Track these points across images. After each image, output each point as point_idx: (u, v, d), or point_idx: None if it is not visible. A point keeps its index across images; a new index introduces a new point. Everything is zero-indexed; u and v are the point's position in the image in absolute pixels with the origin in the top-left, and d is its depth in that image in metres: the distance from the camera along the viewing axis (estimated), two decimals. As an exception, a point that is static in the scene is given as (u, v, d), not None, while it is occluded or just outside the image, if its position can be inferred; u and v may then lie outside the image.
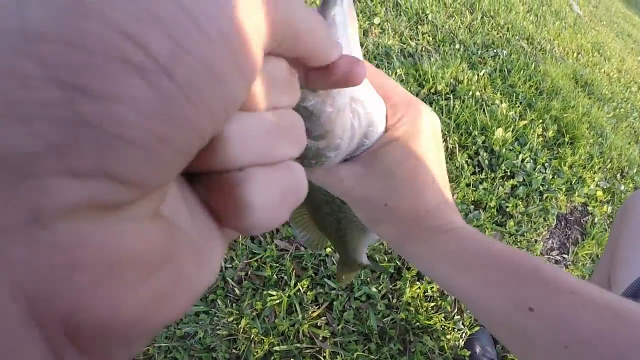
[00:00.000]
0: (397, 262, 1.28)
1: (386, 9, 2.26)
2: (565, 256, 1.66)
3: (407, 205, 0.33)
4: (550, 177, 1.75)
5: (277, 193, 0.16)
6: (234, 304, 1.20)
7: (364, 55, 1.96)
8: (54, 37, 0.09)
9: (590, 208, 1.83)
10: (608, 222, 1.81)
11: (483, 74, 1.98)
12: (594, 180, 1.92)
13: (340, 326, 1.17)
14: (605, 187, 1.95)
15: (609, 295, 0.30)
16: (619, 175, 2.11)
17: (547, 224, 1.65)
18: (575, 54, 2.99)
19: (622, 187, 2.01)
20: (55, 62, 0.09)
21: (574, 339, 0.28)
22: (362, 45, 2.07)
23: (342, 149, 0.31)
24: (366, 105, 0.30)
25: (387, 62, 1.86)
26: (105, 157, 0.10)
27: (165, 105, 0.11)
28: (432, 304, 1.26)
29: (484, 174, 1.56)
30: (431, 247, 0.34)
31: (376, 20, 2.13)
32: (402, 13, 2.27)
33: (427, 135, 0.33)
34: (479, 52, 2.19)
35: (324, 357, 1.12)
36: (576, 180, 1.85)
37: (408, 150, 0.32)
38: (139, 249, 0.12)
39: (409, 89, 1.75)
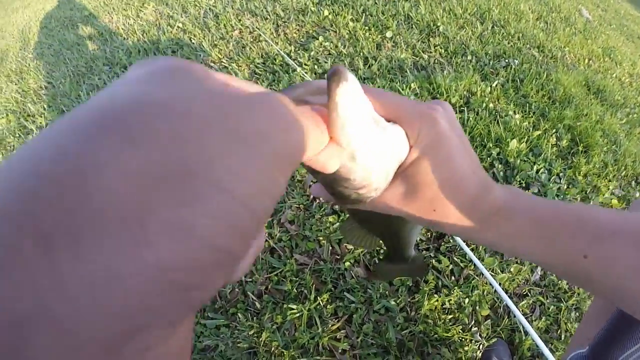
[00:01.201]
0: (415, 275, 1.30)
1: (398, 22, 2.29)
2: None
3: (453, 206, 0.36)
4: (565, 187, 1.75)
5: None
6: (254, 318, 1.23)
7: (378, 69, 2.00)
8: (180, 266, 0.14)
9: (605, 217, 1.83)
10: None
11: (496, 85, 1.99)
12: (608, 189, 1.91)
13: (359, 339, 1.20)
14: (620, 195, 1.94)
15: None
16: (633, 182, 2.10)
17: None
18: (586, 60, 2.99)
19: (638, 194, 2.00)
20: (179, 280, 0.15)
21: (622, 272, 0.34)
22: (375, 59, 2.10)
23: (381, 187, 0.33)
24: (387, 144, 0.32)
25: (401, 76, 1.88)
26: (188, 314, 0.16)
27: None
28: (450, 316, 1.27)
29: (499, 185, 1.58)
30: (487, 233, 0.38)
31: (388, 34, 2.17)
32: (413, 26, 2.30)
33: (448, 138, 0.34)
34: (491, 62, 2.20)
35: (346, 370, 1.14)
36: (591, 189, 1.85)
37: (436, 159, 0.34)
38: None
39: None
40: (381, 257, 0.57)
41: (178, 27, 3.08)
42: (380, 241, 0.51)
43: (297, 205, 1.49)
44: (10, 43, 4.75)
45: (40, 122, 2.36)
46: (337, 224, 1.40)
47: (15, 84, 3.14)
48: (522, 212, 0.37)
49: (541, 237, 0.36)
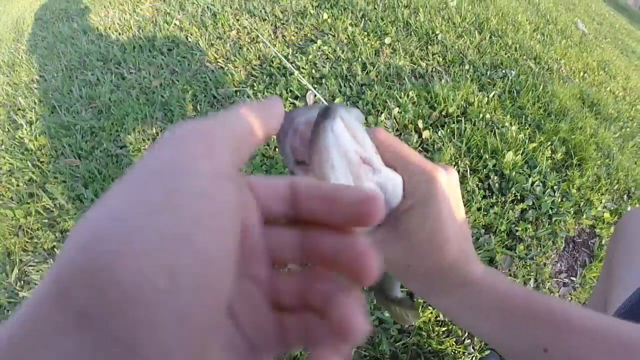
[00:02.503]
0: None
1: (397, 28, 2.28)
2: (574, 279, 1.67)
3: (428, 265, 0.36)
4: (559, 200, 1.76)
5: None
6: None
7: (376, 76, 1.99)
8: None
9: (597, 230, 1.84)
10: (615, 244, 1.82)
11: (493, 96, 2.00)
12: (601, 202, 1.93)
13: (352, 350, 1.18)
14: (612, 208, 1.96)
15: (617, 328, 0.33)
16: (625, 196, 2.11)
17: (556, 247, 1.66)
18: (581, 73, 3.01)
19: (629, 208, 2.01)
20: None
21: None
22: (373, 65, 2.10)
23: (369, 228, 0.34)
24: (374, 184, 0.33)
25: (399, 84, 1.88)
26: None
27: None
28: (444, 329, 1.27)
29: (494, 197, 1.58)
30: (453, 300, 0.38)
31: (387, 40, 2.16)
32: (412, 33, 2.30)
33: (442, 198, 0.35)
34: (488, 72, 2.21)
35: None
36: (584, 203, 1.86)
37: (425, 215, 0.35)
38: None
39: (420, 111, 1.77)
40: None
41: (175, 24, 3.04)
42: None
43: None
44: (3, 34, 4.68)
45: (30, 117, 2.31)
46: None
47: (7, 76, 3.08)
48: (495, 292, 0.37)
49: (506, 321, 0.36)
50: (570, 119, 2.21)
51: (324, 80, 2.09)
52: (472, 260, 0.38)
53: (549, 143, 1.96)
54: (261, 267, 0.22)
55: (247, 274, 0.22)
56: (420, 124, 1.72)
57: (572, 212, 1.76)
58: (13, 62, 3.52)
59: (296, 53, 2.31)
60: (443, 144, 1.66)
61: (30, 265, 1.59)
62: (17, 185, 1.88)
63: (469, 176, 1.59)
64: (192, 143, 0.18)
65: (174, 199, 0.16)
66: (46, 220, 1.74)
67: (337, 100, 1.85)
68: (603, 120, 2.54)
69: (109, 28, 3.34)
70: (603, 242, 1.79)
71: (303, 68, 2.17)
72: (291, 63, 2.17)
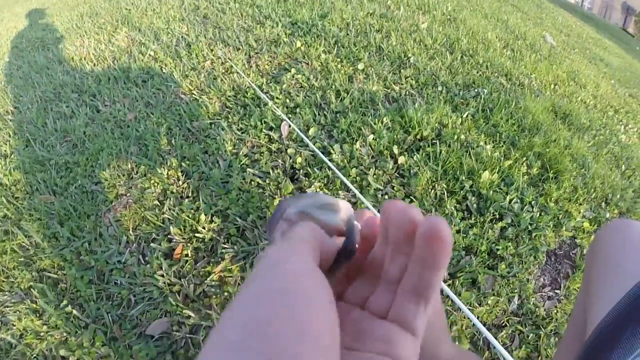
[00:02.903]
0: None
1: (369, 53, 2.32)
2: (558, 291, 1.68)
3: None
4: (538, 215, 1.78)
5: None
6: None
7: (350, 103, 2.01)
8: None
9: (578, 240, 1.86)
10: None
11: (466, 116, 2.03)
12: (579, 212, 1.95)
13: None
14: (591, 217, 1.98)
15: None
16: (603, 203, 2.15)
17: (538, 262, 1.67)
18: (552, 86, 3.09)
19: (608, 215, 2.04)
20: None
21: None
22: (347, 92, 2.12)
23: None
24: None
25: (373, 109, 1.90)
26: None
27: None
28: None
29: (473, 218, 1.59)
30: None
31: (360, 66, 2.19)
32: (385, 57, 2.34)
33: None
34: (461, 92, 2.25)
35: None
36: (563, 215, 1.88)
37: None
38: None
39: (395, 136, 1.79)
40: None
41: (149, 55, 3.05)
42: None
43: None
44: None
45: (5, 150, 2.28)
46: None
47: None
48: None
49: None
50: (543, 133, 2.26)
51: (298, 110, 2.10)
52: (443, 340, 0.37)
53: (524, 159, 2.00)
54: None
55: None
56: (395, 149, 1.74)
57: (551, 225, 1.78)
58: (-13, 89, 3.46)
59: (270, 82, 2.32)
60: (419, 169, 1.68)
61: (7, 306, 1.54)
62: (-8, 223, 1.85)
63: (446, 199, 1.60)
64: None
65: None
66: (22, 259, 1.71)
67: (311, 130, 1.85)
68: (576, 131, 2.59)
69: (84, 58, 3.32)
70: (584, 252, 1.81)
71: (277, 98, 2.18)
72: (265, 93, 2.18)
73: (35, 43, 4.44)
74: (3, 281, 1.65)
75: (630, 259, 0.75)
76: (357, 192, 1.29)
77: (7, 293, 1.61)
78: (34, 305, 1.52)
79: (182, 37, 3.26)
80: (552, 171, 2.02)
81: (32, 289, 1.58)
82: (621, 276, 0.72)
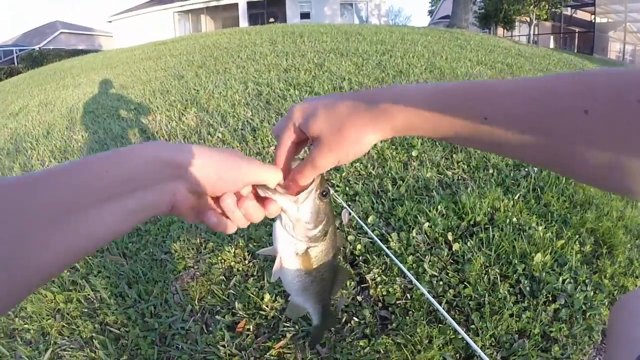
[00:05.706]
0: None
1: (422, 140, 2.55)
2: (616, 370, 1.71)
3: (346, 135, 0.51)
4: (592, 293, 1.80)
5: None
6: None
7: (406, 191, 2.23)
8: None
9: (636, 316, 1.89)
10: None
11: (518, 197, 2.17)
12: (636, 285, 1.95)
13: None
14: (649, 288, 1.99)
15: (539, 81, 0.40)
16: (661, 272, 2.13)
17: (593, 342, 1.67)
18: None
19: (667, 284, 2.02)
20: None
21: (521, 127, 0.39)
22: (403, 180, 2.35)
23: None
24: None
25: (428, 196, 2.10)
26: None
27: None
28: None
29: (526, 301, 1.71)
30: (406, 115, 0.46)
31: (414, 153, 2.42)
32: (437, 143, 2.56)
33: (302, 106, 0.58)
34: (512, 173, 2.40)
35: None
36: (618, 290, 1.88)
37: (310, 120, 0.55)
38: None
39: (449, 223, 1.98)
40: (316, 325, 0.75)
41: (217, 137, 3.34)
42: (309, 311, 0.70)
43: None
44: (57, 119, 5.13)
45: None
46: (368, 348, 1.52)
47: (58, 162, 3.42)
48: (427, 87, 0.45)
49: (448, 106, 0.43)
50: (595, 207, 2.31)
51: (357, 198, 2.27)
52: (378, 92, 0.49)
53: (577, 237, 2.05)
54: None
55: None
56: (450, 236, 1.92)
57: (606, 302, 1.79)
58: (65, 149, 3.91)
59: (331, 170, 2.59)
60: (473, 254, 1.84)
61: (66, 350, 1.64)
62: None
63: (499, 283, 1.75)
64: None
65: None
66: (86, 310, 1.81)
67: (370, 218, 2.05)
68: (629, 200, 2.60)
69: (157, 132, 3.68)
70: (642, 327, 1.83)
71: (337, 186, 2.40)
72: (325, 181, 2.41)
73: (110, 111, 4.88)
74: (64, 326, 1.76)
75: (639, 329, 0.76)
76: (413, 279, 1.46)
77: (66, 338, 1.71)
78: (93, 355, 1.60)
79: (247, 121, 3.58)
80: (605, 246, 2.04)
81: (93, 339, 1.67)
82: (630, 346, 0.74)
